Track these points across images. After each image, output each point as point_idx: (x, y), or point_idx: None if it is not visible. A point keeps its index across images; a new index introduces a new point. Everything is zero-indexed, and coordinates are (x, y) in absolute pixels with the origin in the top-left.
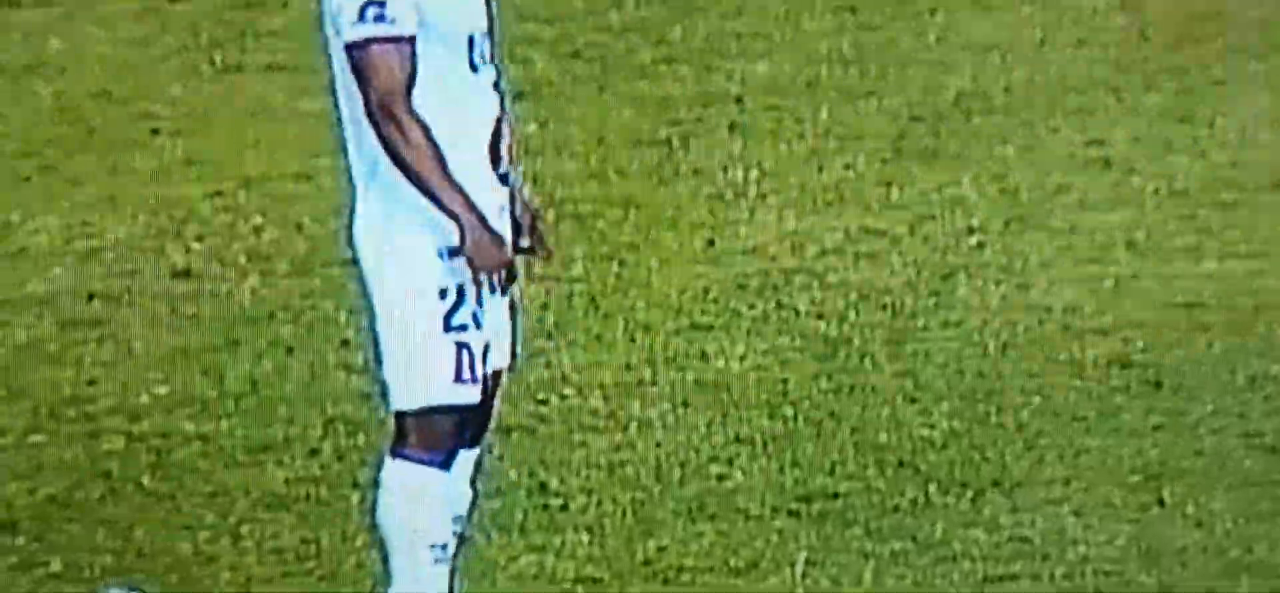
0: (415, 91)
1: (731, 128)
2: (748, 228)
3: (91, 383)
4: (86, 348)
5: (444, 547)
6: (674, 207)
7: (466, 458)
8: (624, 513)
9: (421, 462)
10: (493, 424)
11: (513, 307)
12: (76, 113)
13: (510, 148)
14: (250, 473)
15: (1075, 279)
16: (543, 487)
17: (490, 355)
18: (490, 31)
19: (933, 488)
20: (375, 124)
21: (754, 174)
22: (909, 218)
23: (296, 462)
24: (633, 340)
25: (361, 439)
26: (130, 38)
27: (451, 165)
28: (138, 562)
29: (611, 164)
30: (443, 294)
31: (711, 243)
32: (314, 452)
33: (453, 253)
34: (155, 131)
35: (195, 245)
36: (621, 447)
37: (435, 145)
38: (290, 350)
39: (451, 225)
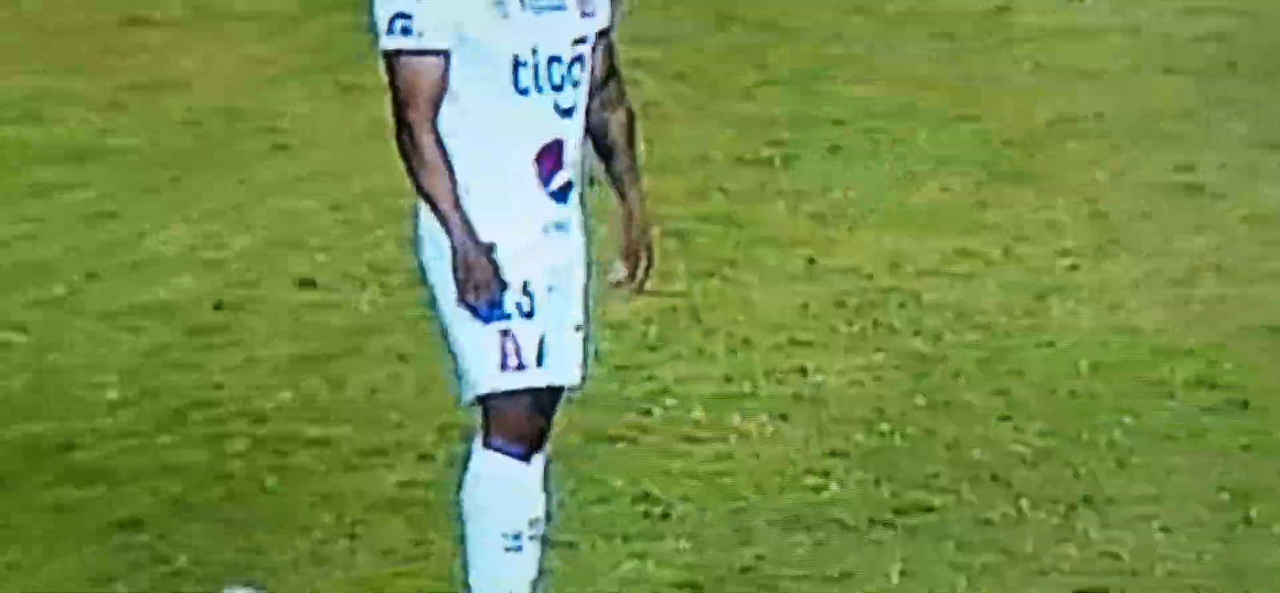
0: (452, 104)
1: (831, 149)
2: (846, 247)
3: (216, 388)
4: (212, 354)
5: (516, 537)
6: (774, 225)
7: (538, 460)
8: (723, 522)
9: (500, 452)
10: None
11: (580, 328)
12: (204, 127)
13: (576, 178)
14: (365, 477)
15: (1164, 301)
16: (645, 495)
17: (548, 343)
18: (579, 61)
19: (1024, 503)
20: (397, 133)
21: (852, 195)
22: (1002, 239)
23: (409, 466)
24: (733, 354)
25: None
26: (256, 56)
27: (485, 181)
28: (257, 560)
29: (714, 183)
30: None
31: (811, 261)
32: (425, 457)
33: (487, 251)
34: (279, 146)
35: (317, 256)
36: (721, 457)
37: (448, 164)
38: (404, 359)
39: (484, 227)
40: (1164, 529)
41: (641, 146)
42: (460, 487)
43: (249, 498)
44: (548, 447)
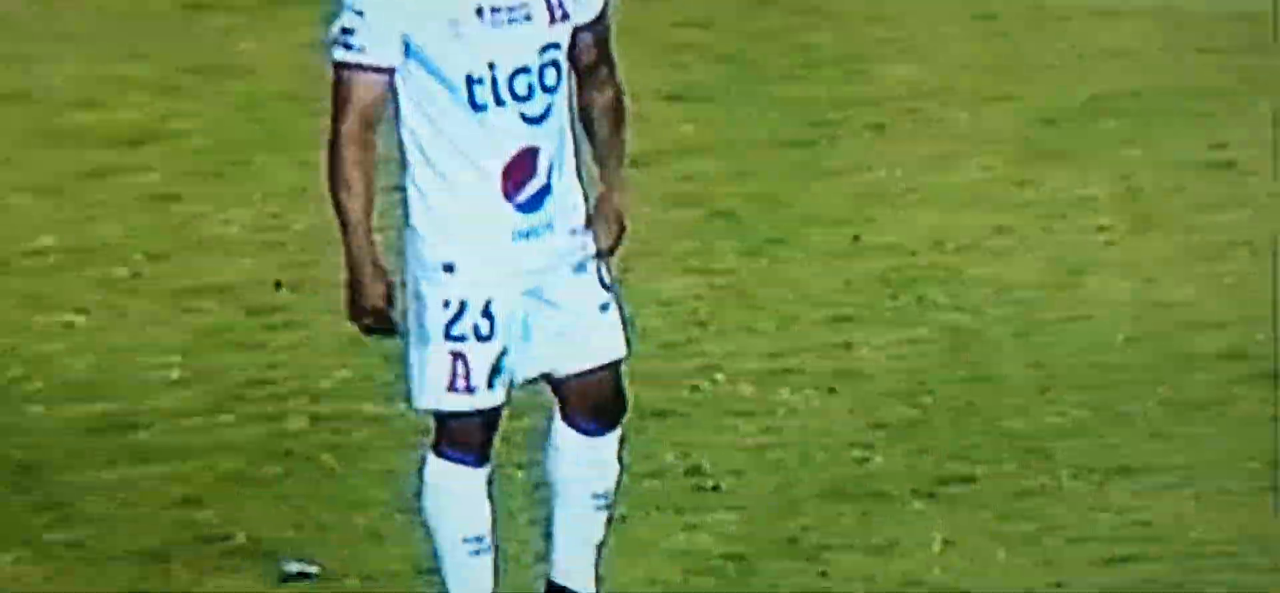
0: (414, 123)
1: (873, 129)
2: (888, 225)
3: (274, 367)
4: (271, 334)
5: (479, 539)
6: (818, 204)
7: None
8: (770, 494)
9: (452, 460)
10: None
11: (607, 306)
12: (263, 111)
13: (547, 175)
14: (421, 454)
15: (1196, 276)
16: (695, 469)
17: (505, 362)
18: (549, 66)
19: (1062, 474)
20: (328, 142)
21: (894, 173)
22: (1040, 216)
23: None
24: (779, 331)
25: (525, 422)
26: (313, 41)
27: (452, 197)
28: (316, 536)
29: (759, 163)
30: (445, 304)
31: (855, 238)
32: None
33: (447, 268)
34: None
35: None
36: (768, 431)
37: (365, 182)
38: None
39: (445, 244)
40: (1196, 498)
41: (689, 128)
42: (517, 466)
43: (307, 475)
44: (621, 427)
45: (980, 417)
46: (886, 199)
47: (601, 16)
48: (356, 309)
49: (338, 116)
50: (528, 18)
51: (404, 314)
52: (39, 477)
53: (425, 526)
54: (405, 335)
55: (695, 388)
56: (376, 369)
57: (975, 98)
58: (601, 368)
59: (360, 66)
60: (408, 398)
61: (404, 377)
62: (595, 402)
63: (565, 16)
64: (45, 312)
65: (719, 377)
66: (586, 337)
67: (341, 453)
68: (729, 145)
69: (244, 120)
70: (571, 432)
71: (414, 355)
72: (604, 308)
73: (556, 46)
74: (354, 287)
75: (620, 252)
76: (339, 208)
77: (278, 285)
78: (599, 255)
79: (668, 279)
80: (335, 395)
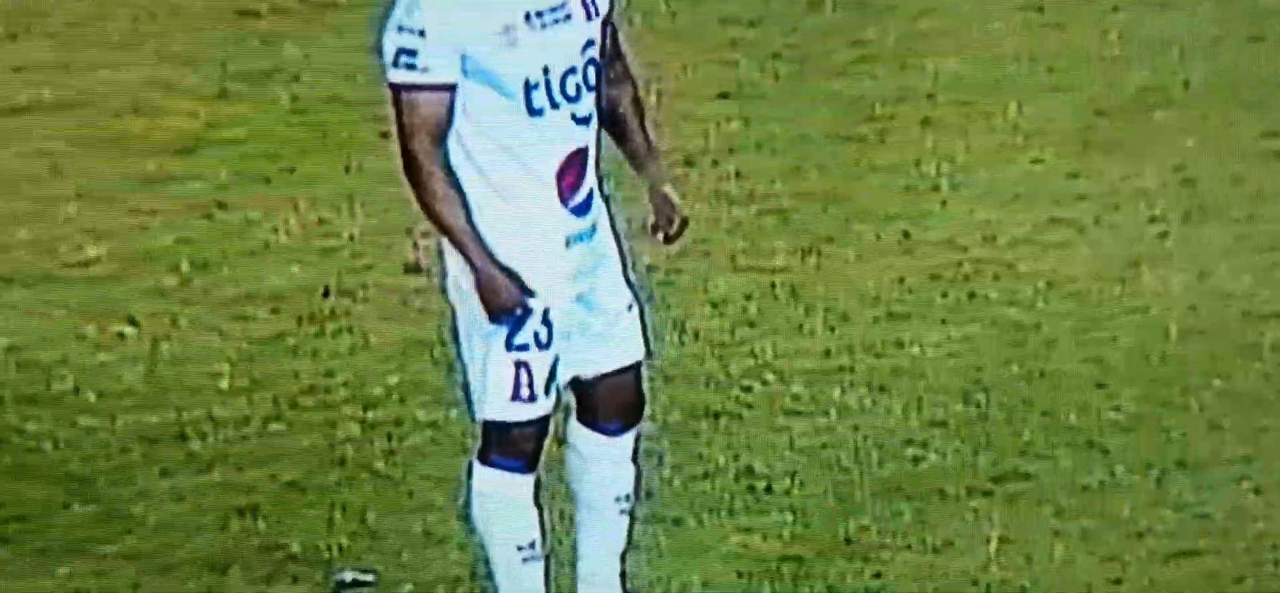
0: (461, 134)
1: (924, 124)
2: (941, 220)
3: (328, 374)
4: (323, 340)
5: (532, 546)
6: (870, 200)
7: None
8: (825, 494)
9: (503, 467)
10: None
11: (632, 306)
12: (312, 116)
13: (595, 178)
14: (467, 461)
15: (1252, 267)
16: (749, 470)
17: (558, 369)
18: (592, 64)
19: (1120, 468)
20: (404, 165)
21: (946, 168)
22: (1094, 209)
23: None
24: (832, 329)
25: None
26: (361, 45)
27: (502, 205)
28: (371, 544)
29: (810, 160)
30: None
31: (906, 235)
32: None
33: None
34: (385, 134)
35: (424, 241)
36: (822, 431)
37: (458, 190)
38: None
39: (503, 253)
40: (1256, 490)
41: (738, 125)
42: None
43: (362, 482)
44: (642, 423)
45: (1036, 412)
46: (938, 194)
47: (613, 7)
48: (494, 310)
49: (408, 137)
50: (568, 17)
51: (453, 324)
52: (92, 488)
53: (476, 534)
54: (455, 343)
55: (747, 388)
56: (428, 374)
57: (1026, 90)
58: (629, 367)
59: (425, 86)
60: (468, 407)
61: (459, 384)
62: (622, 401)
63: (597, 11)
64: (96, 321)
65: (771, 377)
66: (620, 337)
67: (396, 459)
68: (779, 142)
69: (293, 126)
70: (594, 433)
71: (473, 366)
72: (630, 308)
73: (593, 44)
74: (490, 288)
75: (670, 250)
76: (438, 221)
77: (325, 292)
78: (668, 239)
79: (718, 278)
80: (388, 402)
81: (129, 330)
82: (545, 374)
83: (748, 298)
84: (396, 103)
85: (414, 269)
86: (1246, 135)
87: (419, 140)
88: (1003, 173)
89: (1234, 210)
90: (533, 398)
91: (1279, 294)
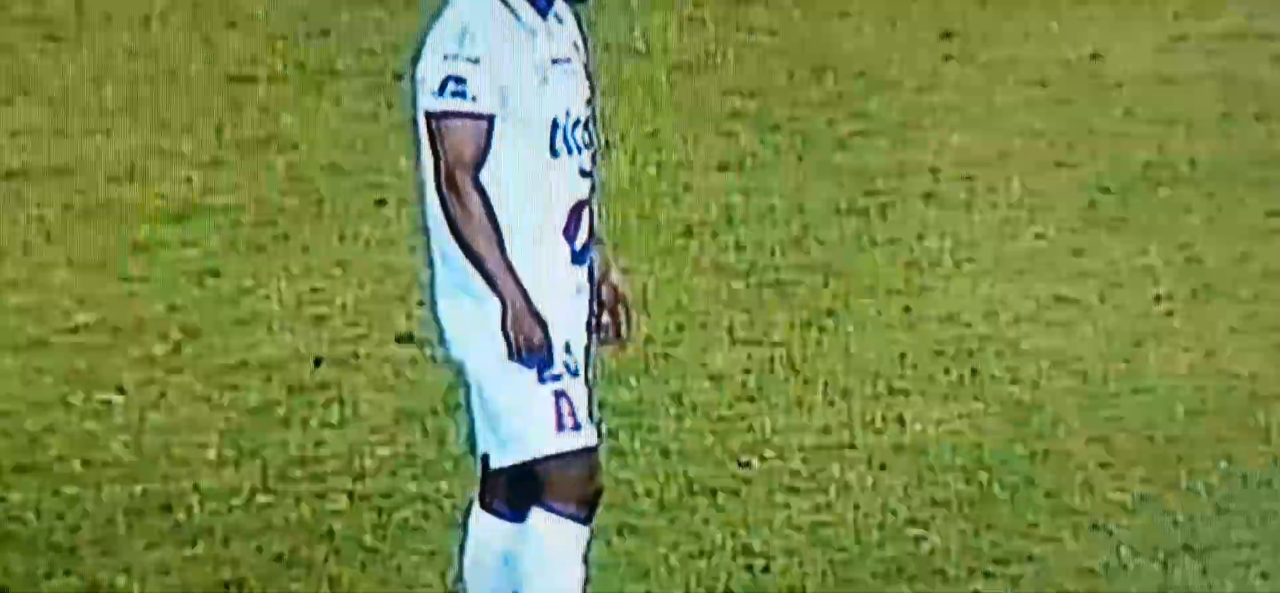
0: (490, 169)
1: (927, 198)
2: (943, 295)
3: (318, 445)
4: (314, 410)
5: None
6: (871, 274)
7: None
8: (824, 574)
9: (562, 515)
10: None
11: (587, 382)
12: (307, 184)
13: (590, 231)
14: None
15: (1260, 347)
16: (746, 548)
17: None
18: (592, 120)
19: (1125, 551)
20: (440, 193)
21: (949, 243)
22: (1099, 286)
23: None
24: (831, 404)
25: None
26: (357, 113)
27: (523, 243)
28: None
29: (811, 233)
30: None
31: (907, 310)
32: None
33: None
34: (381, 202)
35: (417, 311)
36: (822, 508)
37: (494, 222)
38: None
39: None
40: (1263, 575)
41: (738, 197)
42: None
43: (351, 556)
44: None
45: (1039, 492)
46: (940, 269)
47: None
48: (521, 344)
49: (455, 165)
50: (575, 71)
51: (458, 373)
52: (76, 559)
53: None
54: (466, 389)
55: (745, 464)
56: (419, 447)
57: (1031, 166)
58: (591, 449)
59: (471, 115)
60: (471, 448)
61: (450, 456)
62: (582, 491)
63: (589, 72)
64: (84, 389)
65: (769, 453)
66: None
67: (386, 532)
68: (779, 214)
69: (286, 194)
70: (549, 516)
71: (510, 406)
72: (587, 385)
73: (592, 102)
74: (516, 323)
75: (667, 324)
76: (472, 252)
77: (317, 362)
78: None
79: (717, 351)
80: (378, 474)
81: (117, 399)
82: (584, 401)
83: (747, 372)
84: (434, 131)
85: (407, 339)
86: (1253, 213)
87: (462, 168)
88: (1006, 249)
89: (1240, 289)
90: (578, 427)
91: None
